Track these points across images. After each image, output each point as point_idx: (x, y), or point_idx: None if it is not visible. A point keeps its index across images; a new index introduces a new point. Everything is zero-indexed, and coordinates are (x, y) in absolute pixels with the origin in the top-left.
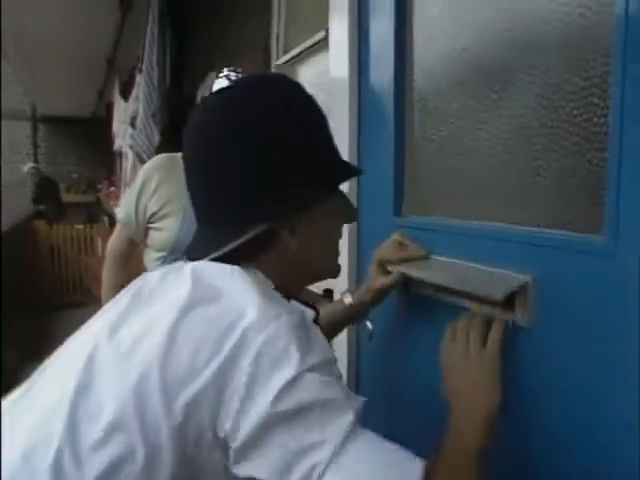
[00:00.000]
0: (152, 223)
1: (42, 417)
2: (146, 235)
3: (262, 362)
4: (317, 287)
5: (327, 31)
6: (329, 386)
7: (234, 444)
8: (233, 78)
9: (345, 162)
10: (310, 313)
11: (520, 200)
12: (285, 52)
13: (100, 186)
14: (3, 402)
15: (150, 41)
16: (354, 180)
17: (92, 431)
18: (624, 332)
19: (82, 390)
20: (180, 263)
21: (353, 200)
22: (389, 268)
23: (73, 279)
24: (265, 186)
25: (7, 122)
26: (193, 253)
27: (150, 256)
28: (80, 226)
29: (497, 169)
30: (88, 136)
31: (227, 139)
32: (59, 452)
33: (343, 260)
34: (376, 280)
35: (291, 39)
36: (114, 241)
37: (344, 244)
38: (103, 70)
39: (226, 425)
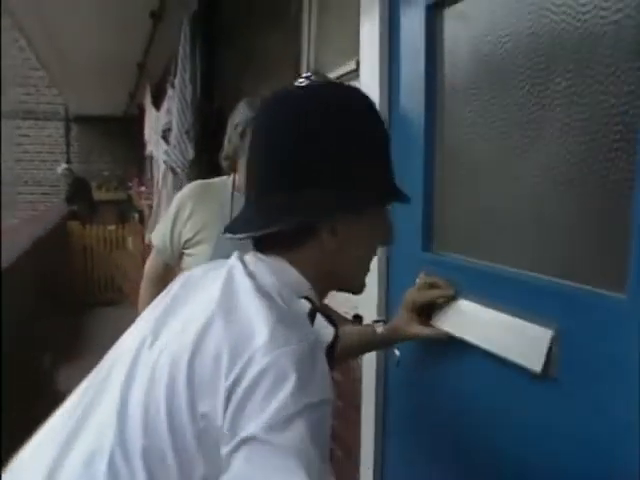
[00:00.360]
0: (187, 249)
1: (97, 429)
2: (180, 259)
3: (261, 383)
4: (347, 312)
5: (358, 62)
6: (311, 441)
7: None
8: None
9: (397, 186)
10: (329, 330)
11: (548, 249)
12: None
13: (130, 184)
14: (57, 412)
15: (182, 59)
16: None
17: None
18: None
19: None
20: (222, 261)
21: None
22: (432, 322)
23: (105, 278)
24: (320, 181)
25: (41, 123)
26: (234, 228)
27: None
28: (112, 227)
29: (526, 215)
30: (120, 134)
31: (299, 131)
32: (112, 456)
33: (373, 291)
34: (411, 326)
35: (321, 60)
36: (150, 264)
37: (374, 275)
38: (134, 73)
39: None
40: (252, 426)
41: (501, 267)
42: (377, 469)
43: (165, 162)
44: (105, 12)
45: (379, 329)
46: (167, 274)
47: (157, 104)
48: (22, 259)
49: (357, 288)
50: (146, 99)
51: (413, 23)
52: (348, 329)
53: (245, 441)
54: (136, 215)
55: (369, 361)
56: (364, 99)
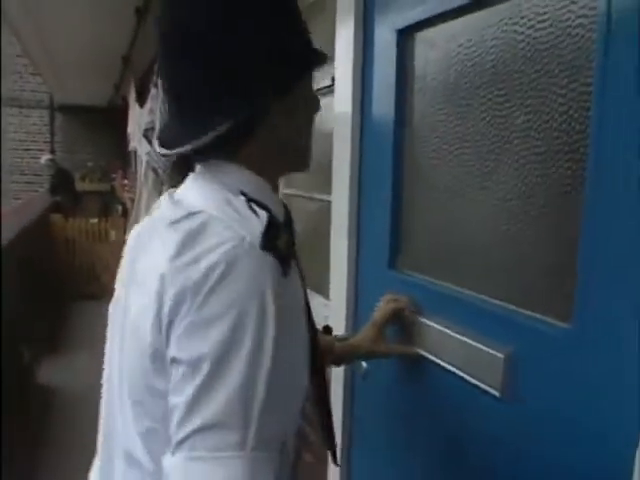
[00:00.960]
0: None
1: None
2: None
3: (180, 309)
4: (317, 323)
5: (333, 78)
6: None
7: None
8: None
9: (315, 49)
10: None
11: (505, 276)
12: None
13: (114, 175)
14: None
15: None
16: (354, 229)
17: None
18: (584, 410)
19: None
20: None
21: (352, 249)
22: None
23: (88, 271)
24: (245, 70)
25: (25, 111)
26: (169, 142)
27: None
28: (95, 220)
29: (484, 241)
30: (104, 125)
31: (214, 22)
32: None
33: (341, 306)
34: (378, 345)
35: None
36: None
37: (342, 290)
38: (119, 66)
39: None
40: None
41: (460, 290)
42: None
43: (147, 162)
44: (90, 5)
45: (337, 344)
46: None
47: (141, 99)
48: (6, 250)
49: (304, 166)
50: (130, 94)
51: (385, 45)
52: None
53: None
54: (119, 207)
55: (337, 372)
56: None
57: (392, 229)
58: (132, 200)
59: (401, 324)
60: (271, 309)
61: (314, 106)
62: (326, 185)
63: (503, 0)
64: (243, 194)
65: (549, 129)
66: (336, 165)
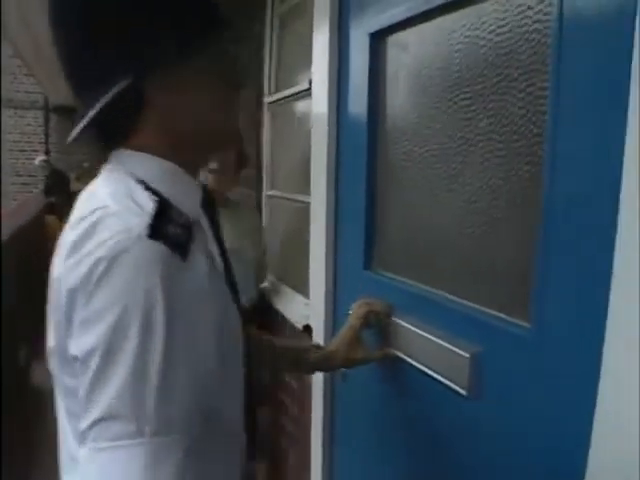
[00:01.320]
0: None
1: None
2: None
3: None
4: (298, 322)
5: (310, 82)
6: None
7: None
8: None
9: (217, 14)
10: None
11: (469, 277)
12: (276, 90)
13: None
14: None
15: None
16: (332, 230)
17: None
18: (544, 409)
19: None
20: None
21: (330, 250)
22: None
23: None
24: (114, 37)
25: (19, 112)
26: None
27: None
28: None
29: (452, 242)
30: None
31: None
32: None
33: (320, 305)
34: (356, 352)
35: (281, 77)
36: None
37: (321, 290)
38: None
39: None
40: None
41: (430, 290)
42: (326, 473)
43: None
44: None
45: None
46: None
47: None
48: (2, 251)
49: (228, 140)
50: None
51: (359, 49)
52: (291, 343)
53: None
54: None
55: (317, 380)
56: None
57: (367, 230)
58: None
59: (376, 327)
60: (160, 297)
61: (227, 75)
62: (306, 187)
63: (466, 5)
64: (142, 182)
65: (509, 132)
66: (314, 167)
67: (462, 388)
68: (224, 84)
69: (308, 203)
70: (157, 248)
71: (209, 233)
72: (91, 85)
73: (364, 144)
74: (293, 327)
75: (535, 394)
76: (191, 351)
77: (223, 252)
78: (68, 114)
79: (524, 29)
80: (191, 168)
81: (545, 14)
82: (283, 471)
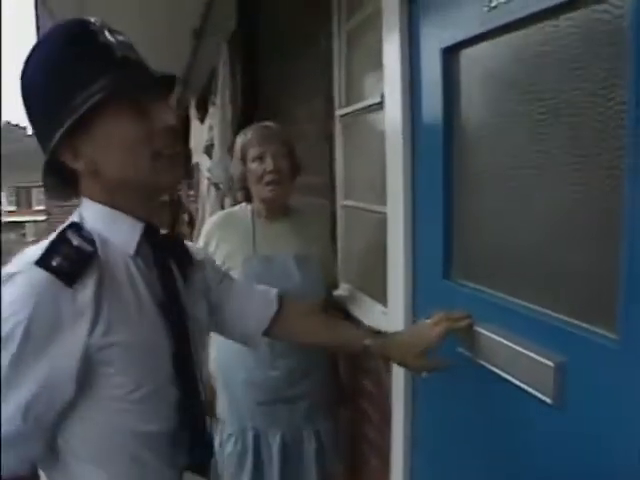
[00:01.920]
0: None
1: None
2: None
3: None
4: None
5: (382, 96)
6: None
7: None
8: None
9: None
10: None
11: (553, 287)
12: (347, 103)
13: (179, 186)
14: None
15: (223, 80)
16: (409, 240)
17: None
18: (630, 421)
19: None
20: None
21: (408, 259)
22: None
23: None
24: (35, 119)
25: None
26: None
27: None
28: (163, 231)
29: (536, 252)
30: None
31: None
32: None
33: (399, 315)
34: (416, 362)
35: (351, 91)
36: None
37: (399, 298)
38: (179, 83)
39: None
40: None
41: (513, 299)
42: (406, 478)
43: (209, 179)
44: (152, 29)
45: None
46: None
47: (200, 114)
48: None
49: (158, 186)
50: (191, 110)
51: (431, 63)
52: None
53: None
54: (185, 216)
55: (397, 375)
56: (62, 28)
57: (445, 240)
58: (197, 210)
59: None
60: (24, 316)
61: (128, 140)
62: (381, 197)
63: (540, 20)
64: (74, 225)
65: (588, 145)
66: (390, 178)
67: (547, 397)
68: (125, 141)
69: (384, 213)
70: (39, 275)
71: (146, 267)
72: (43, 145)
73: (440, 155)
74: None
75: (622, 406)
76: (35, 373)
77: (166, 282)
78: None
79: (600, 43)
80: (134, 211)
81: (621, 27)
82: (363, 476)
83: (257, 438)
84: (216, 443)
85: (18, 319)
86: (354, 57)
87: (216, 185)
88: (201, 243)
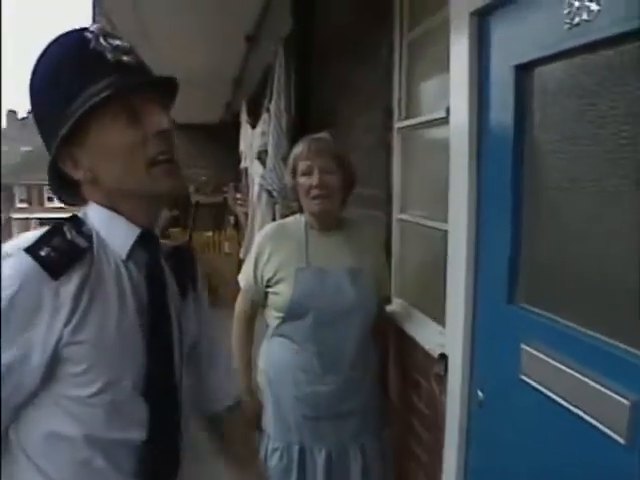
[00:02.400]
0: (269, 287)
1: None
2: (266, 297)
3: None
4: (432, 350)
5: (448, 110)
6: None
7: None
8: None
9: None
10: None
11: (631, 321)
12: (407, 115)
13: (226, 188)
14: None
15: (278, 87)
16: (472, 259)
17: None
18: None
19: None
20: None
21: (470, 280)
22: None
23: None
24: (40, 128)
25: None
26: None
27: (271, 314)
28: (209, 233)
29: (611, 281)
30: (216, 140)
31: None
32: None
33: (458, 334)
34: None
35: (411, 103)
36: (239, 304)
37: (459, 318)
38: (230, 87)
39: None
40: None
41: (585, 330)
42: None
43: (261, 185)
44: (205, 34)
45: None
46: (255, 312)
47: (251, 118)
48: None
49: (156, 194)
50: (242, 114)
51: (502, 79)
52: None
53: None
54: (231, 218)
55: (453, 397)
56: (59, 38)
57: (511, 262)
58: (245, 214)
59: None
60: (7, 296)
61: (121, 147)
62: (440, 213)
63: (626, 41)
64: (75, 220)
65: None
66: (452, 196)
67: (619, 435)
68: (117, 154)
69: (444, 230)
70: (26, 261)
71: (139, 273)
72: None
73: (509, 174)
74: (427, 354)
75: None
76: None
77: (154, 290)
78: (188, 131)
79: None
80: (134, 217)
81: None
82: None
83: (302, 453)
84: (260, 456)
85: (4, 295)
86: (416, 69)
87: (269, 192)
88: (253, 255)
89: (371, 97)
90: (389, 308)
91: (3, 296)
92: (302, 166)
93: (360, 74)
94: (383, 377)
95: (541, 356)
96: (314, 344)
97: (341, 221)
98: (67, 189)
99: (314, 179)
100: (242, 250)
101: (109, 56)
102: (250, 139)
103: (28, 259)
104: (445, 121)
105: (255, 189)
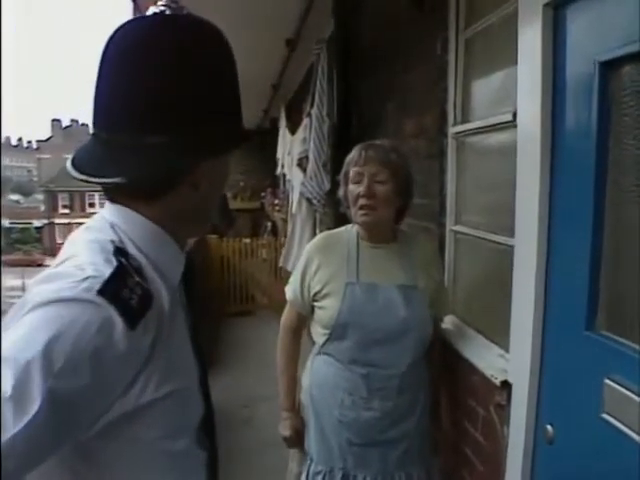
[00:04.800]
0: (316, 301)
1: None
2: (312, 311)
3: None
4: (494, 376)
5: (515, 114)
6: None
7: None
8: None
9: (243, 126)
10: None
11: None
12: (463, 120)
13: (264, 194)
14: None
15: (320, 92)
16: (541, 279)
17: None
18: None
19: None
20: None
21: (539, 302)
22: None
23: (241, 288)
24: (177, 123)
25: None
26: (82, 165)
27: (317, 330)
28: (247, 240)
29: None
30: (254, 146)
31: (149, 64)
32: None
33: (525, 359)
34: None
35: (469, 106)
36: (286, 316)
37: (527, 343)
38: (268, 93)
39: None
40: None
41: None
42: None
43: (302, 193)
44: (246, 40)
45: None
46: (302, 325)
47: (290, 123)
48: None
49: (206, 228)
50: (281, 120)
51: (583, 78)
52: None
53: None
54: (269, 224)
55: (516, 430)
56: (218, 33)
57: (591, 283)
58: (283, 220)
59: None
60: (59, 358)
61: (224, 179)
62: (504, 227)
63: None
64: (131, 241)
65: None
66: (520, 208)
67: None
68: (223, 179)
69: (508, 245)
70: (102, 310)
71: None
72: (134, 156)
73: (590, 184)
74: (486, 379)
75: None
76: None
77: (193, 317)
78: None
79: None
80: (180, 239)
81: None
82: None
83: (345, 479)
84: (302, 478)
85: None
86: (474, 68)
87: (309, 200)
88: (301, 266)
89: (422, 100)
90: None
91: (80, 350)
92: (352, 173)
93: (409, 76)
94: (436, 403)
95: (629, 394)
96: (361, 365)
97: (395, 234)
98: (134, 189)
99: (362, 187)
100: (281, 258)
101: None
102: (289, 145)
103: (106, 305)
104: (510, 125)
105: (295, 196)
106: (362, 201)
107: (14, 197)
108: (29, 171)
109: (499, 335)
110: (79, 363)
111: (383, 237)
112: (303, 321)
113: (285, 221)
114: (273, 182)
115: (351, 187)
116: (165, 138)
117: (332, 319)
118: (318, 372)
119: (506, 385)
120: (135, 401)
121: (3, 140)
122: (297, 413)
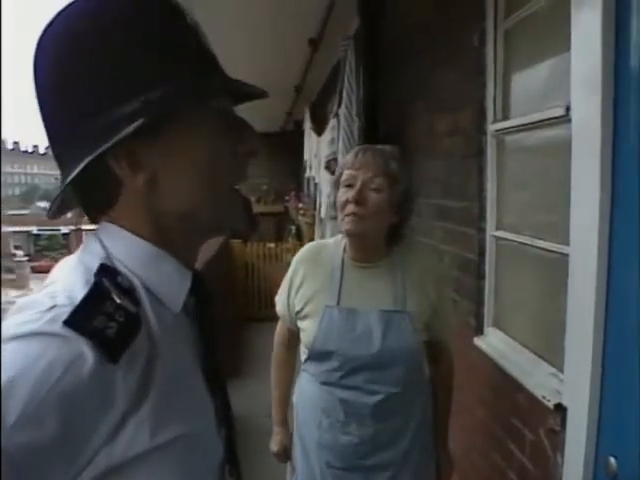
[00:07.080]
0: (298, 319)
1: None
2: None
3: None
4: (546, 399)
5: (568, 108)
6: None
7: None
8: None
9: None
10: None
11: None
12: (504, 116)
13: (287, 197)
14: None
15: (348, 92)
16: (602, 292)
17: None
18: None
19: None
20: None
21: (599, 317)
22: None
23: (265, 293)
24: (88, 107)
25: None
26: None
27: (302, 348)
28: (271, 244)
29: None
30: (277, 149)
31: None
32: None
33: (583, 385)
34: None
35: (510, 101)
36: (278, 331)
37: (584, 366)
38: (291, 94)
39: None
40: None
41: None
42: None
43: (328, 196)
44: (268, 41)
45: None
46: (294, 338)
47: (315, 124)
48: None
49: (226, 226)
50: (305, 121)
51: None
52: None
53: None
54: (293, 228)
55: (573, 460)
56: None
57: None
58: (308, 224)
59: None
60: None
61: (210, 157)
62: (555, 233)
63: None
64: (106, 268)
65: None
66: (575, 211)
67: None
68: (221, 150)
69: (561, 253)
70: (71, 344)
71: (185, 315)
72: (63, 160)
73: None
74: (536, 400)
75: None
76: None
77: (211, 348)
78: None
79: None
80: (181, 252)
81: None
82: None
83: None
84: None
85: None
86: (516, 61)
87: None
88: (287, 277)
89: (456, 97)
90: (478, 341)
91: (41, 396)
92: (345, 176)
93: (443, 71)
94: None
95: None
96: (340, 389)
97: (387, 250)
98: (90, 198)
99: (353, 192)
100: None
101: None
102: (315, 147)
103: (76, 338)
104: (561, 120)
105: (323, 199)
106: (350, 207)
107: (42, 204)
108: (56, 179)
109: (550, 351)
110: (41, 412)
111: (371, 256)
112: (294, 335)
113: (310, 225)
114: (297, 185)
115: (341, 191)
116: (80, 126)
117: (309, 342)
118: (301, 389)
119: (560, 408)
120: (125, 451)
121: (31, 149)
122: (287, 429)
